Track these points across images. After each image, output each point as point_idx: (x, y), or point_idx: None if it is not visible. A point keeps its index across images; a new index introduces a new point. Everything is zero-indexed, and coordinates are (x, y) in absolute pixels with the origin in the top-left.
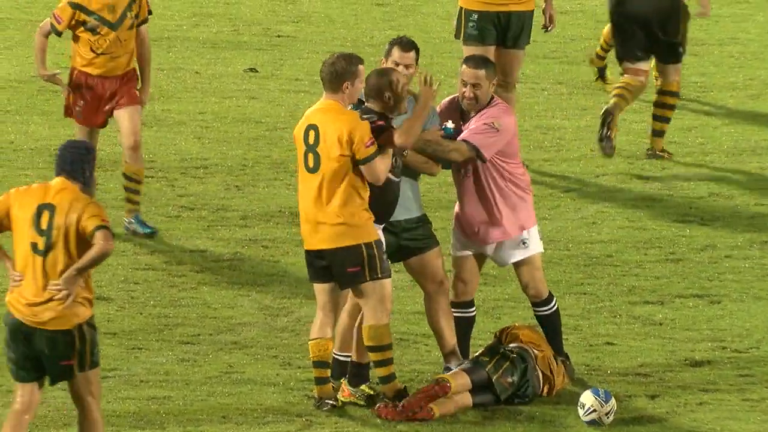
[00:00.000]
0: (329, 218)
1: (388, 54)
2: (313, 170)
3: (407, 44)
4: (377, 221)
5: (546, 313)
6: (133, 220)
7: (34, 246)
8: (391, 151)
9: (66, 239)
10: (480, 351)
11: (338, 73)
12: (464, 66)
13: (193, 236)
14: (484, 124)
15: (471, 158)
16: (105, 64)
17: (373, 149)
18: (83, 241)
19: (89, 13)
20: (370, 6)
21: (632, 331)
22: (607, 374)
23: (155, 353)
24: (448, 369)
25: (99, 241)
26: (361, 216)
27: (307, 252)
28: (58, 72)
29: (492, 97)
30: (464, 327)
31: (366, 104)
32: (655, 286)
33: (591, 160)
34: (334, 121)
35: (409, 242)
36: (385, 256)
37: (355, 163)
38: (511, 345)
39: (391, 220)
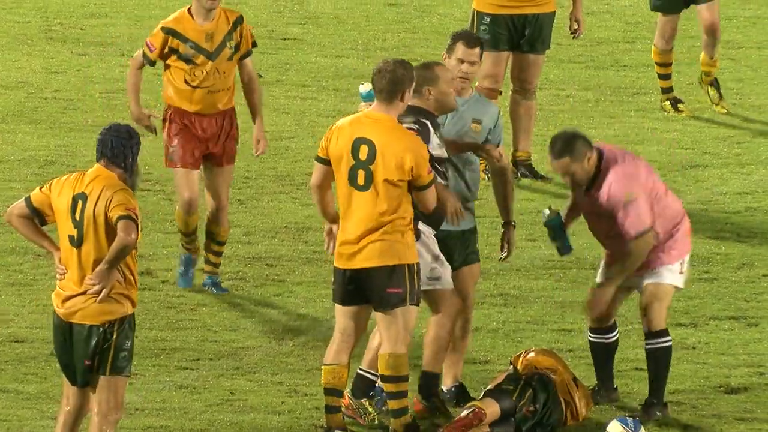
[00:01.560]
0: (376, 236)
1: (450, 50)
2: (363, 188)
3: (473, 39)
4: (433, 226)
5: (653, 347)
6: (207, 281)
7: (71, 238)
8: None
9: (96, 230)
10: (500, 379)
11: (399, 80)
12: (550, 157)
13: None
14: (623, 207)
15: (650, 236)
16: (202, 99)
17: (431, 176)
18: (113, 232)
19: (184, 39)
20: (382, 6)
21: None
22: (636, 402)
23: (152, 379)
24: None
25: (119, 233)
26: (408, 236)
27: (342, 272)
28: (155, 114)
29: (597, 168)
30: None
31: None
32: (688, 308)
33: None
34: (397, 143)
35: (454, 252)
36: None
37: (413, 188)
38: (531, 372)
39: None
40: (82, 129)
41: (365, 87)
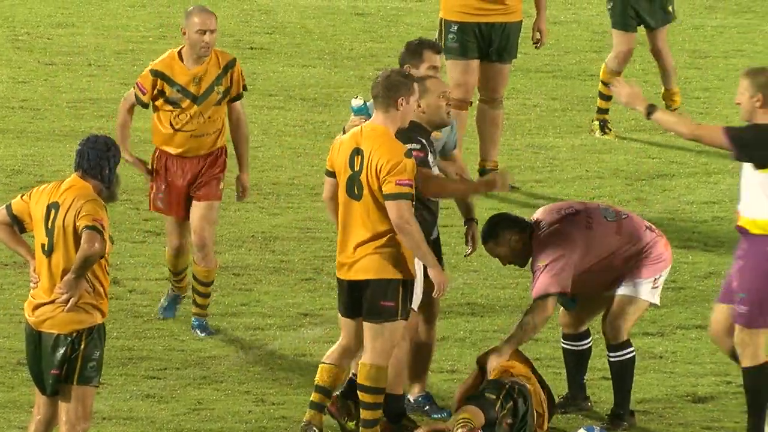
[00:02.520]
0: (372, 249)
1: (416, 57)
2: (357, 198)
3: (437, 45)
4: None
5: (617, 359)
6: (194, 323)
7: (43, 247)
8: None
9: (65, 239)
10: (470, 383)
11: (393, 86)
12: None
13: (159, 263)
14: (534, 271)
15: (551, 303)
16: (185, 142)
17: (405, 190)
18: (80, 242)
19: (171, 83)
20: (350, 16)
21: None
22: (603, 411)
23: (119, 388)
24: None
25: (82, 243)
26: (403, 251)
27: (342, 282)
28: (146, 162)
29: (529, 245)
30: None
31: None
32: (655, 317)
33: (586, 182)
34: (381, 151)
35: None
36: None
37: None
38: (511, 380)
39: None
40: (50, 138)
41: (356, 101)
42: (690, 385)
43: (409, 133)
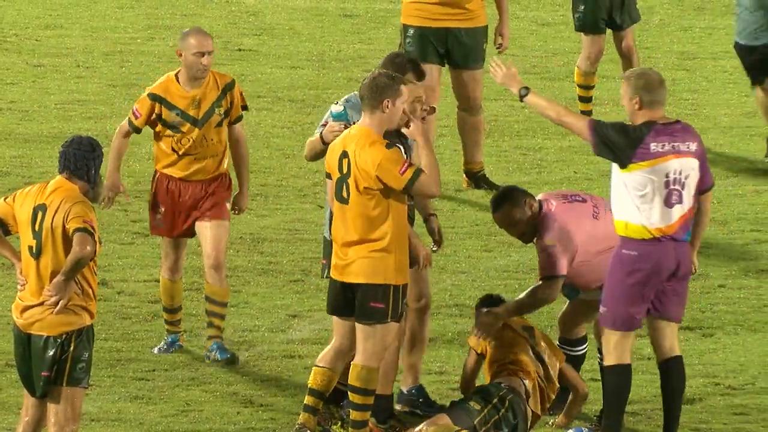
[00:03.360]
0: (365, 252)
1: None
2: (345, 200)
3: (423, 72)
4: None
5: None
6: (213, 348)
7: (30, 249)
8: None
9: (54, 241)
10: (473, 392)
11: (379, 88)
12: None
13: (147, 264)
14: (542, 250)
15: (557, 286)
16: (188, 166)
17: (410, 172)
18: (70, 244)
19: (170, 107)
20: (338, 18)
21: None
22: (592, 412)
23: (107, 390)
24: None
25: (74, 246)
26: (398, 256)
27: (334, 283)
28: (127, 193)
29: (538, 218)
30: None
31: None
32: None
33: (575, 183)
34: (365, 153)
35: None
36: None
37: (398, 192)
38: (504, 388)
39: None
40: (38, 140)
41: (336, 108)
42: None
43: (386, 138)
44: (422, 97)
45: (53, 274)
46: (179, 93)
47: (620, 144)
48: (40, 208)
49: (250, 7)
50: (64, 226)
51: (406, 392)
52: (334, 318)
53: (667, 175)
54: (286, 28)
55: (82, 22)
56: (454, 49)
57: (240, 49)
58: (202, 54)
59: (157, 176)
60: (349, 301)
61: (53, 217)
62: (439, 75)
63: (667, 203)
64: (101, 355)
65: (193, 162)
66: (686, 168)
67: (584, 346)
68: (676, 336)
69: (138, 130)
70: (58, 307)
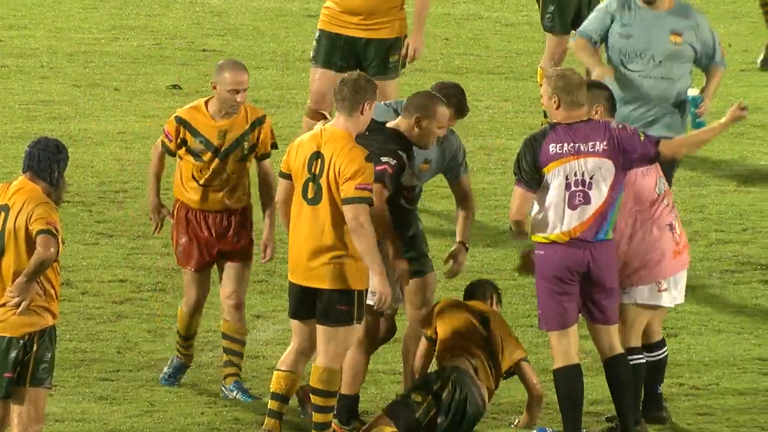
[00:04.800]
0: (329, 258)
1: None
2: (313, 201)
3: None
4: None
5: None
6: (233, 388)
7: None
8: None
9: (16, 242)
10: (414, 384)
11: (361, 90)
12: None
13: (111, 265)
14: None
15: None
16: (207, 196)
17: (365, 194)
18: (33, 245)
19: (195, 133)
20: (301, 18)
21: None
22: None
23: (71, 390)
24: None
25: (38, 247)
26: (358, 259)
27: (294, 286)
28: (169, 214)
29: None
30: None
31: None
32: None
33: None
34: (343, 155)
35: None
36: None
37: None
38: (447, 366)
39: None
40: (1, 140)
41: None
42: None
43: (391, 146)
44: (444, 126)
45: (15, 275)
46: (206, 121)
47: (528, 160)
48: (2, 209)
49: (215, 7)
50: (27, 227)
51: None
52: (294, 320)
53: (567, 177)
54: (250, 28)
55: (46, 23)
56: (362, 58)
57: (204, 50)
58: (237, 91)
59: (177, 204)
60: (310, 303)
61: (16, 218)
62: (334, 81)
63: (570, 205)
64: (65, 356)
65: (213, 193)
66: (591, 168)
67: (664, 349)
68: (615, 334)
69: (173, 153)
70: (20, 308)
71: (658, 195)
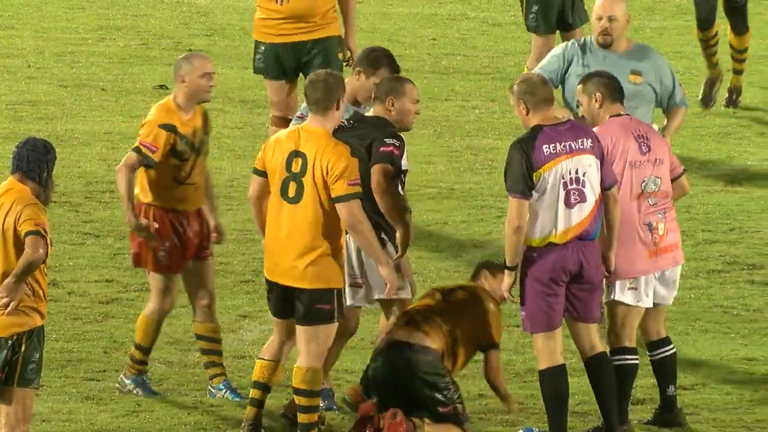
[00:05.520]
0: (309, 259)
1: (372, 67)
2: (293, 200)
3: (397, 66)
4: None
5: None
6: (222, 387)
7: None
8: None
9: (5, 243)
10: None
11: (333, 88)
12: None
13: (98, 265)
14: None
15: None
16: (190, 195)
17: (356, 189)
18: (22, 245)
19: (181, 136)
20: None
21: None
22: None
23: (58, 390)
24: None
25: (26, 248)
26: (338, 258)
27: (273, 285)
28: (153, 223)
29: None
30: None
31: (372, 114)
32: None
33: None
34: (328, 154)
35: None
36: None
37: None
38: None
39: None
40: None
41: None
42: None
43: (389, 128)
44: (418, 100)
45: (4, 276)
46: (180, 120)
47: (521, 166)
48: None
49: (201, 7)
50: (15, 228)
51: None
52: (276, 320)
53: (563, 176)
54: (237, 28)
55: (32, 23)
56: (308, 61)
57: (191, 50)
58: (210, 75)
59: (153, 214)
60: (289, 303)
61: (4, 219)
62: (292, 89)
63: (567, 204)
64: (52, 356)
65: (193, 190)
66: (582, 165)
67: (664, 349)
68: (596, 333)
69: (153, 164)
70: (9, 309)
71: (642, 191)
